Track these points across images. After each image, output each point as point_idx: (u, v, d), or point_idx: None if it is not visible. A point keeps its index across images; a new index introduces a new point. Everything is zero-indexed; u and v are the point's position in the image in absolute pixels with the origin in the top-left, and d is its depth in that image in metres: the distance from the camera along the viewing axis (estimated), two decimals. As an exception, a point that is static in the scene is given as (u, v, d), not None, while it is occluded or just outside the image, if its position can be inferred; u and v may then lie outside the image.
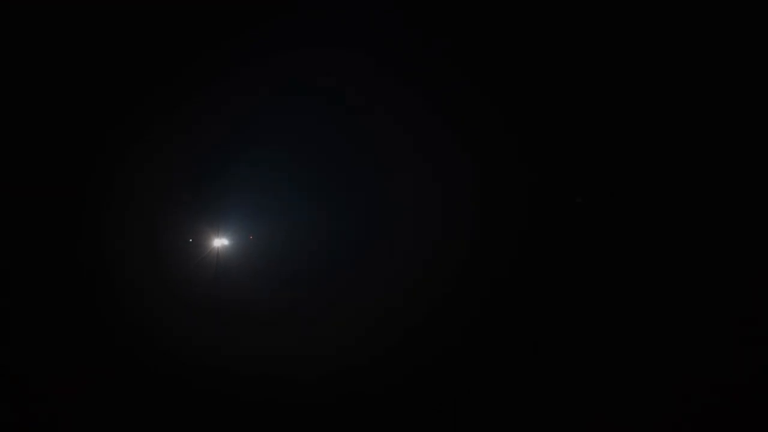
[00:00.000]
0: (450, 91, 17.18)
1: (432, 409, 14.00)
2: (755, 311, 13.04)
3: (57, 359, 12.41)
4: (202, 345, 15.17)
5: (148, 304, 14.98)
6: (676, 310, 14.22)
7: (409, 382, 14.90)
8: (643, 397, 12.91)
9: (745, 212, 13.93)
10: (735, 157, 13.96)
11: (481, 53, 16.19)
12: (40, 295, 13.12)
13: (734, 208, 14.05)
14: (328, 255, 19.15)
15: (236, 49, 16.48)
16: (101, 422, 12.23)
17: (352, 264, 18.63)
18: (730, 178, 14.08)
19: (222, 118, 17.64)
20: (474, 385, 14.59)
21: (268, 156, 18.52)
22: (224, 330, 15.80)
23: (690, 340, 13.60)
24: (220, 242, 18.46)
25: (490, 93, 16.70)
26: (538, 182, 16.89)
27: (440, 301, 17.53)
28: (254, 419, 13.73)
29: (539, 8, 15.08)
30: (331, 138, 18.72)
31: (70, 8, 14.24)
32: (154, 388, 13.42)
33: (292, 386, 14.81)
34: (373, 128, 18.44)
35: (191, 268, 17.51)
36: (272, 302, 17.74)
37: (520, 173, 17.08)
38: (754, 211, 13.82)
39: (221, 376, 14.56)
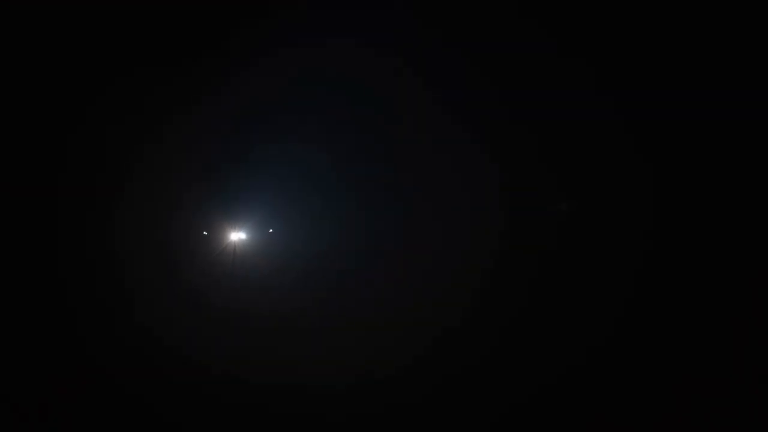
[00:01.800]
0: (473, 92, 16.35)
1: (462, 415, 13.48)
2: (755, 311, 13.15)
3: (59, 359, 12.63)
4: (214, 347, 14.80)
5: (158, 302, 14.98)
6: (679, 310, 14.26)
7: (435, 389, 14.33)
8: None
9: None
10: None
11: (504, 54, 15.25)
12: (45, 294, 13.38)
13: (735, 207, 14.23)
14: (352, 255, 18.30)
15: (262, 41, 15.94)
16: (102, 423, 12.37)
17: (377, 266, 17.70)
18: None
19: (248, 109, 17.16)
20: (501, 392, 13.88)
21: (293, 149, 17.87)
22: (237, 331, 15.42)
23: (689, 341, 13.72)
24: (237, 236, 18.04)
25: (511, 95, 15.87)
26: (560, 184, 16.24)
27: (468, 307, 16.57)
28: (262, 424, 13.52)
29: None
30: (361, 135, 17.82)
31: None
32: (161, 391, 13.40)
33: (303, 393, 14.32)
34: (404, 129, 17.48)
35: (205, 263, 17.30)
36: (289, 303, 16.90)
37: (544, 175, 15.94)
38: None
39: (232, 381, 14.16)
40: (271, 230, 18.34)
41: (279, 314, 16.29)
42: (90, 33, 14.19)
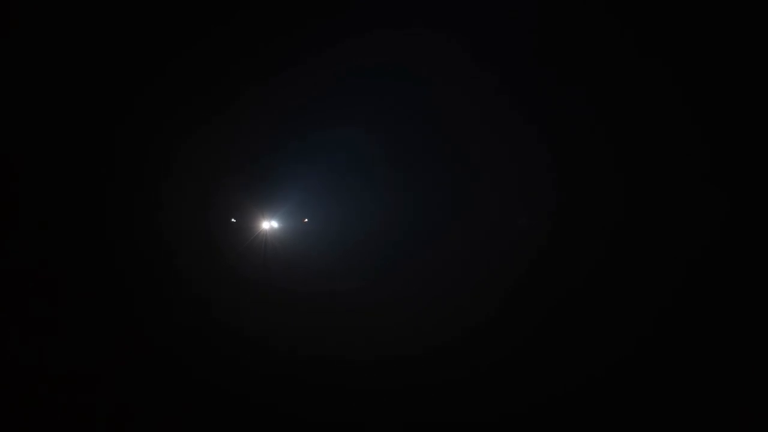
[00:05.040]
0: (535, 79, 16.60)
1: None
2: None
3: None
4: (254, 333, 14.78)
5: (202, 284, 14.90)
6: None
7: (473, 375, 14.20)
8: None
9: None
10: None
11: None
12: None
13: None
14: (390, 247, 17.72)
15: (317, 28, 15.51)
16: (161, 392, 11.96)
17: (418, 257, 17.23)
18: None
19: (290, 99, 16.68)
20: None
21: (333, 139, 17.33)
22: (279, 318, 15.29)
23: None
24: (269, 224, 16.95)
25: (578, 84, 16.35)
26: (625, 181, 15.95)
27: (511, 300, 16.44)
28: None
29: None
30: (407, 124, 17.47)
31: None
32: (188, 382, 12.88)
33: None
34: (449, 116, 17.26)
35: (237, 252, 16.22)
36: (325, 288, 16.39)
37: (607, 171, 16.03)
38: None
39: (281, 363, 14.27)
40: (306, 220, 17.45)
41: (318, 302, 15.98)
42: (143, 34, 13.92)
